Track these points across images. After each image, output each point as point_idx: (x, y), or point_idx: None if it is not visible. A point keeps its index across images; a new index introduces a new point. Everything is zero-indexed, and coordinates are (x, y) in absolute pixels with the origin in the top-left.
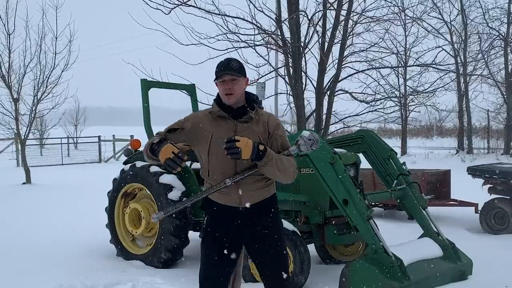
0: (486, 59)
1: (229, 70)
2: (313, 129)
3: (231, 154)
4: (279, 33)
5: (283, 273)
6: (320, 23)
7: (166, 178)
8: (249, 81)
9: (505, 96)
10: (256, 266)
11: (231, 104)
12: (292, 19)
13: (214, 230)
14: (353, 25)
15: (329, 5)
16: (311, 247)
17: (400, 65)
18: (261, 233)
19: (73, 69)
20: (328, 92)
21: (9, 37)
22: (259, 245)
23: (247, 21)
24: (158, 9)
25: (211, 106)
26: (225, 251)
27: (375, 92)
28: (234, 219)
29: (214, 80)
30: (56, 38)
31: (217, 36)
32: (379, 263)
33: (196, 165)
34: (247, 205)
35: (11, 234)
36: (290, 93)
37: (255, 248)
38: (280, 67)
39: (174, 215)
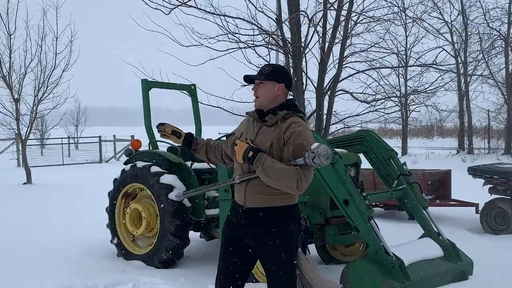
0: (486, 59)
1: (259, 74)
2: (313, 129)
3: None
4: (279, 34)
5: None
6: (321, 23)
7: (166, 178)
8: (283, 88)
9: (506, 96)
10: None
11: (258, 108)
12: (292, 20)
13: (226, 225)
14: (354, 25)
15: (330, 5)
16: (312, 247)
17: (400, 65)
18: (264, 240)
19: (74, 69)
20: (329, 92)
21: (10, 37)
22: (263, 252)
23: (247, 21)
24: (158, 9)
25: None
26: (231, 247)
27: (375, 92)
28: (239, 217)
29: None
30: (56, 38)
31: (217, 36)
32: (379, 263)
33: (197, 165)
34: (249, 206)
35: (11, 234)
36: (291, 93)
37: (260, 254)
38: None
39: (174, 215)
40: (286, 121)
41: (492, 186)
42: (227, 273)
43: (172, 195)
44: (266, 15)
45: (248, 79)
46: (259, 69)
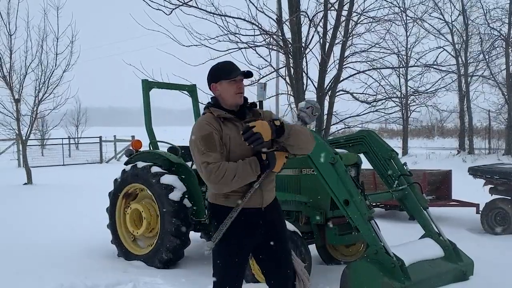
0: (487, 59)
1: (239, 70)
2: (314, 129)
3: (253, 142)
4: (280, 34)
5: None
6: (321, 23)
7: (167, 179)
8: None
9: (506, 96)
10: (261, 265)
11: (240, 104)
12: (293, 20)
13: (237, 237)
14: (354, 26)
15: (330, 5)
16: (312, 248)
17: (401, 65)
18: (279, 232)
19: (74, 69)
20: (329, 93)
21: (11, 38)
22: (275, 244)
23: (248, 21)
24: (159, 9)
25: (204, 112)
26: (242, 257)
27: (376, 93)
28: (257, 221)
29: (218, 80)
30: (57, 39)
31: (217, 37)
32: (380, 263)
33: None
34: (267, 204)
35: (11, 234)
36: (291, 94)
37: (269, 248)
38: (281, 68)
39: (174, 215)
40: (257, 112)
41: (492, 186)
42: (237, 283)
43: (172, 195)
44: (266, 15)
45: (243, 74)
46: (232, 66)
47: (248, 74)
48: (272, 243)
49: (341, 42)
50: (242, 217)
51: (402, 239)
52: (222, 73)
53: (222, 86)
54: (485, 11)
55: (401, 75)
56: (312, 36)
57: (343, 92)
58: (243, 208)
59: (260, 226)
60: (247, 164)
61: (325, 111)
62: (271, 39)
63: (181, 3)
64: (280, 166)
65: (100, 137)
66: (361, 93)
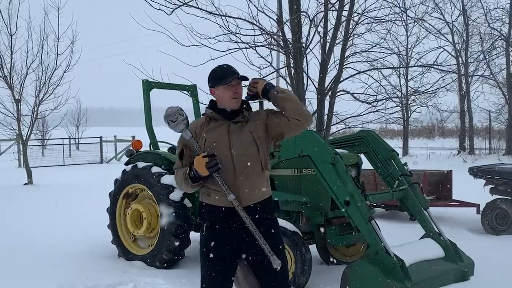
0: (487, 59)
1: (236, 74)
2: (314, 129)
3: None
4: (280, 34)
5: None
6: (322, 23)
7: (167, 179)
8: None
9: (507, 96)
10: (256, 274)
11: (235, 109)
12: (293, 20)
13: (215, 235)
14: (355, 26)
15: (331, 5)
16: (313, 248)
17: (401, 65)
18: (266, 233)
19: (75, 70)
20: (330, 93)
21: (11, 38)
22: (260, 250)
23: (248, 21)
24: (161, 9)
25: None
26: (227, 257)
27: (376, 93)
28: (234, 221)
29: (215, 85)
30: (58, 39)
31: (218, 36)
32: (380, 263)
33: None
34: (247, 204)
35: (12, 234)
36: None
37: (257, 253)
38: (282, 68)
39: (175, 216)
40: (253, 113)
41: (493, 186)
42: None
43: (173, 196)
44: (267, 15)
45: (240, 77)
46: (229, 69)
47: (237, 72)
48: (258, 246)
49: (341, 42)
50: (221, 214)
51: (403, 239)
52: (218, 78)
53: (219, 91)
54: (486, 11)
55: (401, 75)
56: (313, 36)
57: (344, 92)
58: (219, 206)
59: (238, 227)
60: (182, 172)
61: (326, 111)
62: (272, 39)
63: (182, 3)
64: (199, 168)
65: (101, 137)
66: (361, 93)
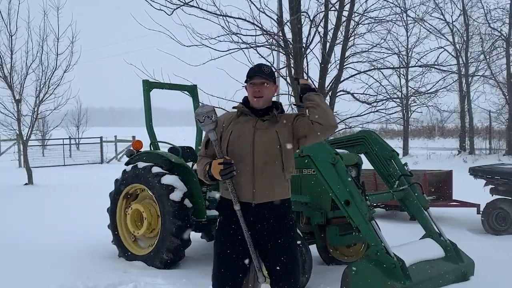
0: (488, 60)
1: (260, 73)
2: None
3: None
4: (280, 34)
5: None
6: (322, 23)
7: (168, 179)
8: (278, 90)
9: (507, 97)
10: (268, 270)
11: (259, 107)
12: (294, 20)
13: (227, 228)
14: (355, 26)
15: (331, 5)
16: (313, 248)
17: (402, 65)
18: (273, 236)
19: (75, 70)
20: (330, 93)
21: (11, 38)
22: (271, 249)
23: (249, 22)
24: (161, 9)
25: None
26: (238, 250)
27: (377, 93)
28: (247, 217)
29: (245, 82)
30: (58, 39)
31: (218, 37)
32: (381, 264)
33: None
34: (260, 201)
35: (12, 234)
36: (292, 94)
37: (267, 251)
38: (282, 68)
39: (175, 216)
40: (283, 116)
41: (493, 186)
42: (234, 279)
43: (173, 196)
44: (267, 15)
45: (259, 75)
46: (257, 67)
47: (263, 72)
48: (269, 245)
49: (342, 43)
50: (233, 211)
51: (403, 240)
52: (247, 75)
53: (248, 88)
54: (486, 11)
55: (401, 75)
56: (313, 37)
57: (344, 93)
58: (233, 200)
59: (251, 223)
60: (203, 166)
61: None
62: (272, 39)
63: (182, 3)
64: (214, 172)
65: (101, 138)
66: (361, 94)
